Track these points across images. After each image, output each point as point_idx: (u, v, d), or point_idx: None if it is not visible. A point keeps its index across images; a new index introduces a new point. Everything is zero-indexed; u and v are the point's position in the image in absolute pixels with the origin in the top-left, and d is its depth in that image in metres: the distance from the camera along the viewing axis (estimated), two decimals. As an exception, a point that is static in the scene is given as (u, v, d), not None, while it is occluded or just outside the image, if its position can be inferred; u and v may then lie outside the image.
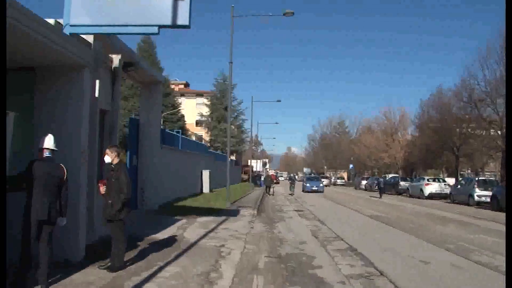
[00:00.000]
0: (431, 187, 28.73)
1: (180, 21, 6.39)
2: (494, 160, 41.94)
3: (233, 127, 49.95)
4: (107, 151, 6.20)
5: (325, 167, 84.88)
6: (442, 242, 9.44)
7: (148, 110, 13.42)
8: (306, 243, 9.08)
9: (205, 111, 55.52)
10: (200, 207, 15.07)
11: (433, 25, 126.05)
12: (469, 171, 52.29)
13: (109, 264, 5.94)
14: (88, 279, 5.40)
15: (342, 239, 9.67)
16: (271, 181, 32.67)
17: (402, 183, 34.65)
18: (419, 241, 9.65)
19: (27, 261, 4.95)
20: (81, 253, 6.37)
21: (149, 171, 13.20)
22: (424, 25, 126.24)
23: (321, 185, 36.53)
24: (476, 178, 24.97)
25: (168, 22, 6.40)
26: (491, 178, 29.52)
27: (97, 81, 7.47)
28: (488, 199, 20.13)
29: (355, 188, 48.41)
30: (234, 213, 14.43)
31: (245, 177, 47.79)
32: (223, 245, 8.23)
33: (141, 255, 6.96)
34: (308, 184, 36.32)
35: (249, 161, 55.42)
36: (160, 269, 6.14)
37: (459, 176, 39.10)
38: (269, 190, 30.60)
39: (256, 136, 61.69)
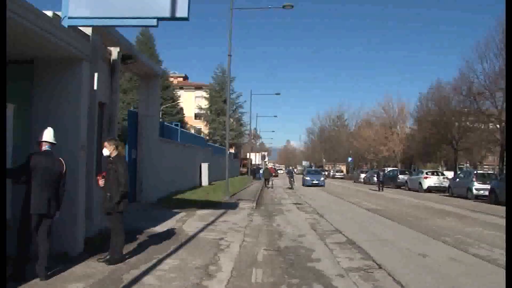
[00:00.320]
0: (430, 181, 28.69)
1: (179, 14, 6.34)
2: (493, 154, 42.16)
3: (232, 120, 49.96)
4: (106, 144, 6.20)
5: (324, 160, 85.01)
6: (440, 235, 9.47)
7: (147, 103, 13.41)
8: (304, 236, 9.10)
9: (204, 104, 55.50)
10: (199, 200, 15.08)
11: (433, 17, 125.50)
12: (467, 164, 52.44)
13: (108, 257, 5.95)
14: (87, 272, 5.41)
15: (340, 232, 9.69)
16: (270, 174, 32.67)
17: (401, 176, 34.41)
18: (418, 234, 9.68)
19: (25, 254, 4.96)
20: (80, 246, 6.38)
21: (148, 164, 13.22)
22: (425, 17, 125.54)
23: (322, 178, 35.18)
24: (475, 172, 24.97)
25: (167, 14, 6.35)
26: (489, 172, 29.62)
27: (96, 74, 7.44)
28: (487, 193, 20.19)
29: (354, 182, 48.48)
30: (233, 206, 14.46)
31: (244, 170, 47.76)
32: (222, 238, 8.26)
33: (140, 248, 6.98)
34: (308, 178, 35.06)
35: (248, 154, 55.44)
36: (159, 262, 6.16)
37: (457, 169, 39.16)
38: (268, 183, 30.65)
39: (255, 129, 61.58)
